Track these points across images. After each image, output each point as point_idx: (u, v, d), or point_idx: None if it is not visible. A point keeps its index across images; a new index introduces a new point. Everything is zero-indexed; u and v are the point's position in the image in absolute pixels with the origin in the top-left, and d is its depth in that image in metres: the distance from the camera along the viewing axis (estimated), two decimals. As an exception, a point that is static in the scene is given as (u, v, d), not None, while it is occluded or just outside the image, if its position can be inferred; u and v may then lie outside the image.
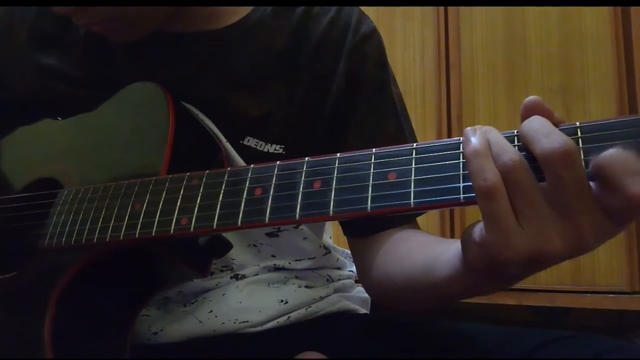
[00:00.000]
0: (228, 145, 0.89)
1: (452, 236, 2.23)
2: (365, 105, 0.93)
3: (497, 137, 0.55)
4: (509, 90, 2.19)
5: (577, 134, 0.53)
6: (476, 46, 2.27)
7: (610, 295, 1.99)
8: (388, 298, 0.90)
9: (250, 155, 0.89)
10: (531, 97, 0.56)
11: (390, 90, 0.96)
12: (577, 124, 0.54)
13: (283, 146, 0.91)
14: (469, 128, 0.57)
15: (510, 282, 0.60)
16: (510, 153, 0.53)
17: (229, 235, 0.83)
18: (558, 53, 2.13)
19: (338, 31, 0.94)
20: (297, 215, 0.61)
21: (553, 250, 0.52)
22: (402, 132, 0.95)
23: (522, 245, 0.52)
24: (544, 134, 0.52)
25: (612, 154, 0.50)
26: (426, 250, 0.76)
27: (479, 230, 0.55)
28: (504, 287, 0.61)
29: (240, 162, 0.88)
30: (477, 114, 2.22)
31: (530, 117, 0.55)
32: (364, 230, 0.93)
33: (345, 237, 0.98)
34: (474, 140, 0.55)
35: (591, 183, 0.52)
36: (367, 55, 0.94)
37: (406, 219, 0.92)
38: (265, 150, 0.90)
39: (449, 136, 2.24)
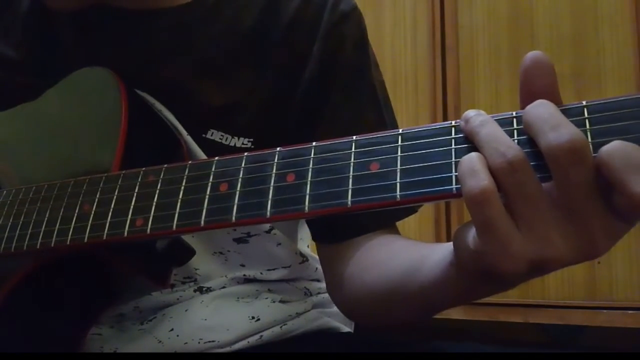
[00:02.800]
0: (189, 139, 0.90)
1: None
2: (341, 93, 0.94)
3: (496, 131, 0.56)
4: (514, 77, 2.19)
5: (583, 114, 0.54)
6: (476, 25, 2.27)
7: (629, 312, 1.99)
8: (363, 312, 0.91)
9: (214, 150, 0.90)
10: (534, 53, 0.56)
11: (370, 76, 0.97)
12: (584, 102, 0.55)
13: (252, 140, 0.93)
14: (465, 113, 0.58)
15: (509, 287, 0.61)
16: (515, 150, 0.53)
17: (191, 242, 0.84)
18: (570, 33, 2.15)
19: (314, 9, 0.95)
20: (268, 213, 0.63)
21: (558, 256, 0.54)
22: (384, 124, 0.96)
23: (522, 252, 0.53)
24: (552, 126, 0.52)
25: (612, 146, 0.50)
26: (409, 253, 0.77)
27: (472, 236, 0.56)
28: (501, 292, 0.63)
29: (204, 158, 0.89)
30: (478, 104, 2.22)
31: (533, 80, 0.56)
32: (337, 234, 0.93)
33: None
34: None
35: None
36: (345, 36, 0.95)
37: (385, 222, 0.93)
38: (232, 144, 0.92)
39: (445, 130, 2.24)
